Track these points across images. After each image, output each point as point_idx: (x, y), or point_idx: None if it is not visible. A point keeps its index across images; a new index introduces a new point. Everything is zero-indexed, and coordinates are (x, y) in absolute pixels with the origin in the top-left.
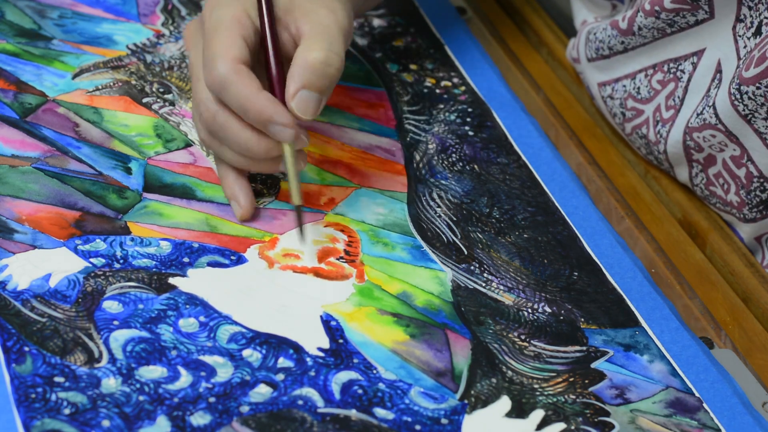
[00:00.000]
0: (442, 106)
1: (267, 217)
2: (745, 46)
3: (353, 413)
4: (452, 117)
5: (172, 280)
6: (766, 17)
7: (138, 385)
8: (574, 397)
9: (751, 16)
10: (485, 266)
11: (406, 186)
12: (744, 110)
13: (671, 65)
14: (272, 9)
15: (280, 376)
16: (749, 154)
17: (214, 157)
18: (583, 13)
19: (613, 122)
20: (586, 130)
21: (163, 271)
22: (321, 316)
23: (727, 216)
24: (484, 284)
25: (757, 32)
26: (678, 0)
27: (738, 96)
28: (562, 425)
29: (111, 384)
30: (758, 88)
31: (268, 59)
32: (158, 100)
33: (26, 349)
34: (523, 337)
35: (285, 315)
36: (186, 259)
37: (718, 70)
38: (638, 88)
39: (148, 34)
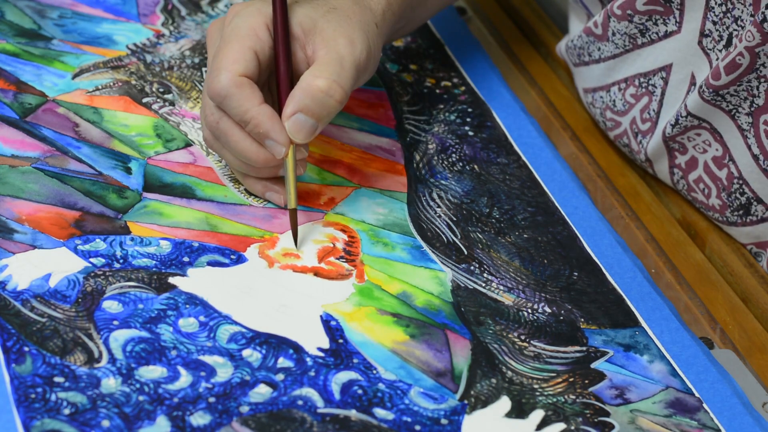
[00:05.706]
0: (442, 106)
1: (267, 216)
2: (717, 58)
3: (353, 413)
4: (452, 117)
5: (172, 280)
6: (734, 29)
7: (138, 385)
8: (574, 397)
9: (718, 30)
10: (485, 266)
11: (406, 186)
12: (728, 106)
13: (642, 80)
14: (286, 25)
15: (280, 376)
16: (731, 154)
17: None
18: (576, 24)
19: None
20: (586, 131)
21: (163, 271)
22: (321, 316)
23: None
24: (484, 284)
25: (728, 44)
26: (651, 1)
27: (715, 97)
28: (562, 425)
29: (111, 384)
30: (739, 85)
31: (278, 74)
32: (158, 100)
33: (26, 349)
34: (523, 337)
35: (285, 315)
36: (186, 259)
37: (692, 83)
38: (614, 101)
39: (148, 34)
